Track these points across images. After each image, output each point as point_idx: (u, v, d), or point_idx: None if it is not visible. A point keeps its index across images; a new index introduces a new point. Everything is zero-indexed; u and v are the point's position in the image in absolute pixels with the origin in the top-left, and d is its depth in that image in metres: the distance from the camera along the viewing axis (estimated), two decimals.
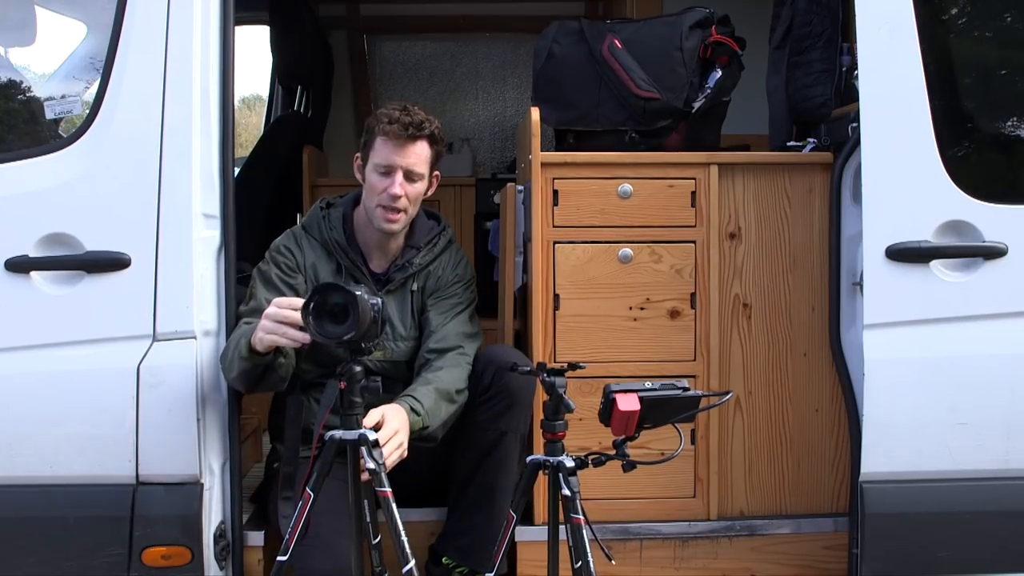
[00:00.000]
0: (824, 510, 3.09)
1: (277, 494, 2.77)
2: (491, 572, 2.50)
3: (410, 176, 2.83)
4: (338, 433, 2.41)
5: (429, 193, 2.94)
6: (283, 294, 2.77)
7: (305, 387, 2.88)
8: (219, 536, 2.74)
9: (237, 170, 3.02)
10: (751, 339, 3.08)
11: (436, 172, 2.94)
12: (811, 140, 3.19)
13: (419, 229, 2.99)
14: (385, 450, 2.45)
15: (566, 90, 3.21)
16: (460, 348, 2.89)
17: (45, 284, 2.66)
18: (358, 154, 2.92)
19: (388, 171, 2.82)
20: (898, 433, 2.80)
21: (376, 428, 2.47)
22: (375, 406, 2.52)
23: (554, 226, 3.02)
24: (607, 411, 2.29)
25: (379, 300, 2.44)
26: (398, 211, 2.83)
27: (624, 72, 3.14)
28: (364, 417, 2.44)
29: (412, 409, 2.65)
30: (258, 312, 2.70)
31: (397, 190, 2.81)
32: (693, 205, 3.05)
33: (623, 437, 2.31)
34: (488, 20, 5.50)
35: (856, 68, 2.93)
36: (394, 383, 2.86)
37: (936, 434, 2.81)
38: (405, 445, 2.56)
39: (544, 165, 3.03)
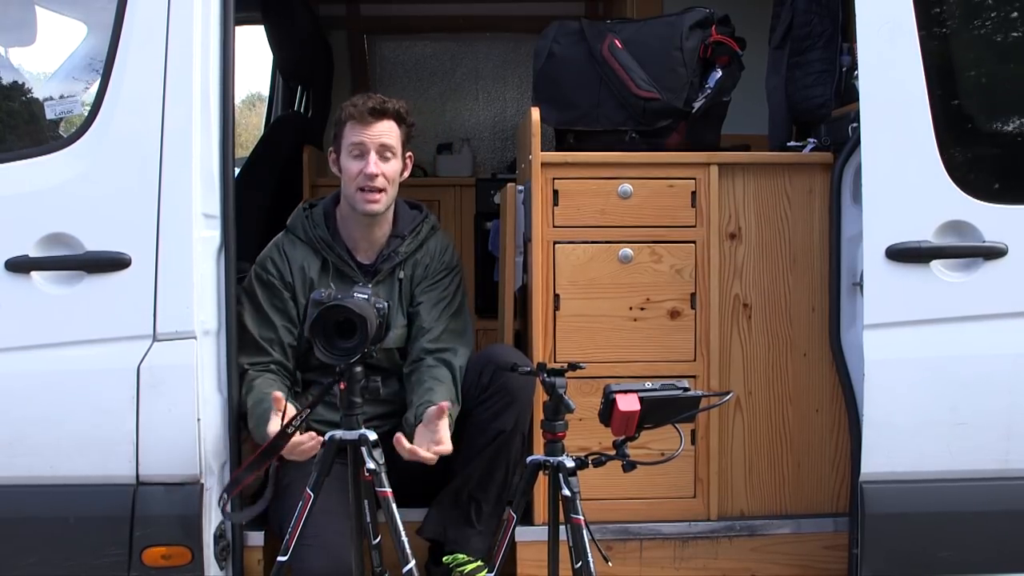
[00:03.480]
0: (824, 510, 3.09)
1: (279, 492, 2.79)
2: (492, 572, 2.50)
3: (383, 153, 2.89)
4: (338, 433, 2.41)
5: (405, 175, 2.99)
6: (273, 325, 2.88)
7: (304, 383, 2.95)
8: (219, 536, 2.73)
9: (237, 170, 3.02)
10: (751, 339, 3.08)
11: (409, 153, 3.00)
12: (811, 140, 3.19)
13: (402, 219, 3.03)
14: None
15: (566, 90, 3.21)
16: (452, 349, 2.92)
17: (45, 284, 2.66)
18: (332, 148, 2.99)
19: (361, 152, 2.89)
20: (898, 433, 2.80)
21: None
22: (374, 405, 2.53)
23: (554, 226, 3.02)
24: (607, 411, 2.29)
25: (385, 304, 2.46)
26: (377, 190, 2.88)
27: (624, 72, 3.14)
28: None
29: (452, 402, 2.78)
30: (254, 347, 2.87)
31: (373, 168, 2.86)
32: (693, 205, 3.04)
33: (623, 437, 2.31)
34: (488, 20, 5.49)
35: (856, 68, 2.93)
36: (383, 372, 2.87)
37: (936, 434, 2.80)
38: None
39: (544, 165, 3.03)
